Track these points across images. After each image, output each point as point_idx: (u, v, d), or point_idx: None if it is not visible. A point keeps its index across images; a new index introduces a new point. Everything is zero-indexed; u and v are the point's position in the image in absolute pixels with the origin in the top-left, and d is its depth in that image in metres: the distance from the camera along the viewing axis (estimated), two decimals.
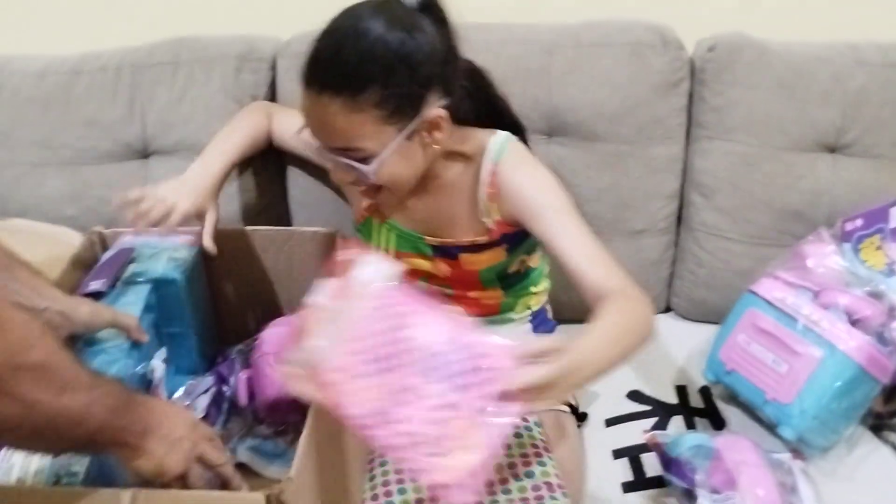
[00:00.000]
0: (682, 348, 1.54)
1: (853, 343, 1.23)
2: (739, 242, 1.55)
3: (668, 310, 1.68)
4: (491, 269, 1.28)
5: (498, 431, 0.84)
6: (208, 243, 1.27)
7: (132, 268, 1.25)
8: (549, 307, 1.45)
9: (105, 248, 1.33)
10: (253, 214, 1.59)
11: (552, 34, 1.52)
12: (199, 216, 1.27)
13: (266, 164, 1.58)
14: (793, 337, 1.27)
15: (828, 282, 1.32)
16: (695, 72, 1.53)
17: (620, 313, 1.04)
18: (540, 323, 1.42)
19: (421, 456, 0.85)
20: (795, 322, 1.28)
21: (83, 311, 1.07)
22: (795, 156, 1.50)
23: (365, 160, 1.09)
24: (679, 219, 1.60)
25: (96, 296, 1.20)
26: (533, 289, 1.38)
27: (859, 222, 1.39)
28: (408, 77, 1.06)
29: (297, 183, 1.59)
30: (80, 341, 1.10)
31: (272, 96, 1.57)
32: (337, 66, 1.05)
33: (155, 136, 1.56)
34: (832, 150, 1.52)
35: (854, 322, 1.26)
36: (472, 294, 1.33)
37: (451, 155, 1.22)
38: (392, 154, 1.10)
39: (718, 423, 1.38)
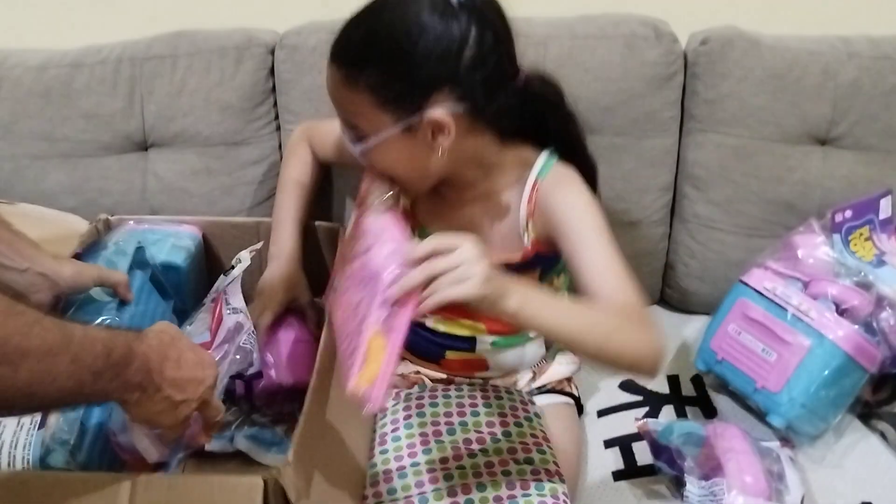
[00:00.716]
0: (674, 339, 1.56)
1: (841, 332, 1.25)
2: (732, 234, 1.56)
3: (661, 301, 1.70)
4: None
5: (394, 339, 0.86)
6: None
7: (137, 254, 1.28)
8: None
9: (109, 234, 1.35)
10: (258, 204, 1.61)
11: (546, 27, 1.53)
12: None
13: (264, 155, 1.60)
14: (782, 326, 1.29)
15: (817, 272, 1.34)
16: (688, 65, 1.54)
17: (610, 311, 1.01)
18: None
19: (347, 369, 0.89)
20: (785, 312, 1.30)
21: (66, 271, 1.07)
22: (787, 148, 1.52)
23: (361, 140, 1.10)
24: (672, 211, 1.62)
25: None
26: None
27: (849, 213, 1.40)
28: (412, 70, 1.02)
29: None
30: (72, 305, 1.11)
31: (271, 88, 1.58)
32: (346, 40, 1.06)
33: (154, 128, 1.57)
34: (823, 142, 1.54)
35: (842, 312, 1.28)
36: None
37: (494, 168, 1.19)
38: (387, 144, 1.07)
39: (710, 412, 1.40)
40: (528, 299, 0.92)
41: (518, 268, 1.20)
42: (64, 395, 0.75)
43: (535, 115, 1.19)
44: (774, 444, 1.24)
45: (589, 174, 1.23)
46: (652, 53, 1.50)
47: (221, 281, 1.26)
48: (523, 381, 1.36)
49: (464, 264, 0.87)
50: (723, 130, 1.53)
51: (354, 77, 1.04)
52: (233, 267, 1.24)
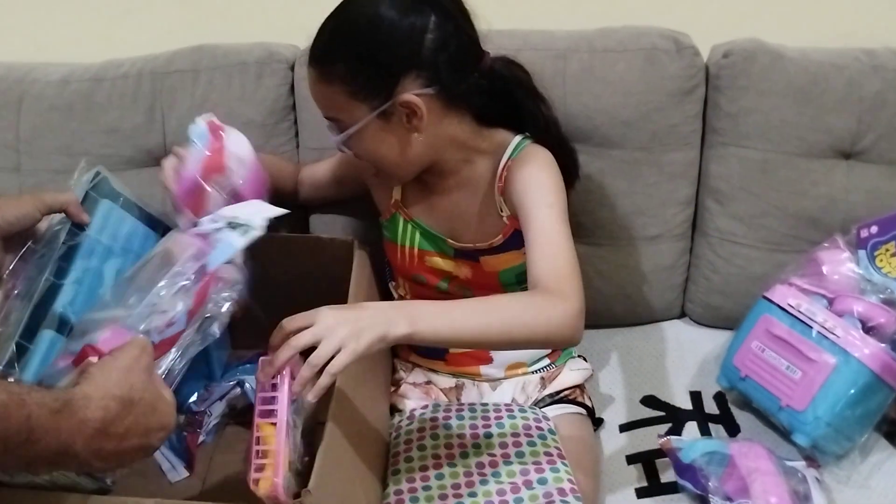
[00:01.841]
0: (696, 354, 1.55)
1: (867, 350, 1.23)
2: (754, 248, 1.55)
3: (682, 315, 1.68)
4: (511, 271, 1.29)
5: (279, 421, 0.92)
6: None
7: None
8: None
9: None
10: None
11: (566, 40, 1.52)
12: None
13: None
14: (807, 344, 1.28)
15: (842, 289, 1.33)
16: (709, 78, 1.53)
17: (514, 297, 1.13)
18: None
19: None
20: (810, 329, 1.29)
21: (7, 208, 1.00)
22: (811, 162, 1.50)
23: (343, 131, 1.16)
24: (694, 225, 1.60)
25: None
26: None
27: (874, 229, 1.38)
28: (376, 58, 1.10)
29: None
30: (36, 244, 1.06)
31: (292, 104, 1.58)
32: (317, 38, 1.15)
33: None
34: (847, 156, 1.52)
35: (868, 329, 1.27)
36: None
37: (473, 152, 1.25)
38: (366, 131, 1.14)
39: (733, 429, 1.38)
40: (416, 319, 0.96)
41: (502, 247, 1.26)
42: None
43: (506, 97, 1.25)
44: (800, 464, 1.23)
45: (566, 156, 1.28)
46: (673, 66, 1.49)
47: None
48: (531, 386, 1.36)
49: (328, 336, 0.91)
50: (745, 144, 1.51)
51: (327, 72, 1.12)
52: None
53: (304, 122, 1.58)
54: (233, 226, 1.03)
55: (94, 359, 0.85)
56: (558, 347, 1.38)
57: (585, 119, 1.49)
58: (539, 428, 1.22)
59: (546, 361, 1.38)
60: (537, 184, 1.18)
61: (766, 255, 1.54)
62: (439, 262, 1.33)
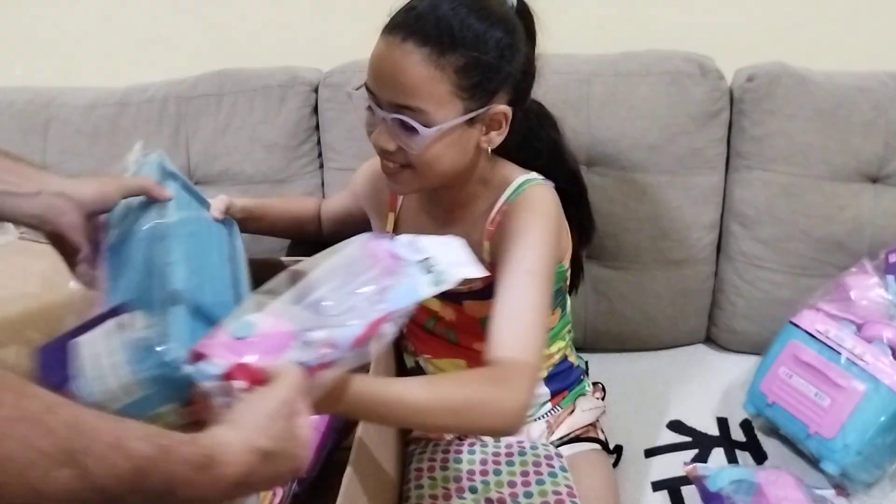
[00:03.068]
0: (722, 380, 1.53)
1: None
2: (780, 273, 1.53)
3: (707, 340, 1.67)
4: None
5: None
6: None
7: None
8: (571, 353, 1.36)
9: None
10: (295, 244, 1.60)
11: (590, 64, 1.52)
12: None
13: (308, 193, 1.60)
14: (835, 370, 1.26)
15: (871, 314, 1.31)
16: (734, 101, 1.52)
17: (461, 383, 0.97)
18: (555, 380, 1.31)
19: None
20: (838, 355, 1.27)
21: (86, 187, 0.96)
22: (837, 186, 1.49)
23: (423, 126, 1.02)
24: (719, 248, 1.59)
25: None
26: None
27: None
28: (495, 61, 1.02)
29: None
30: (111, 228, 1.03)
31: (315, 126, 1.59)
32: (434, 19, 0.99)
33: (199, 166, 1.59)
34: (874, 180, 1.51)
35: None
36: (475, 346, 1.23)
37: (482, 184, 1.17)
38: (448, 132, 1.03)
39: (760, 457, 1.36)
40: (354, 407, 0.88)
41: (481, 295, 1.14)
42: None
43: (529, 138, 1.20)
44: (829, 493, 1.21)
45: (577, 196, 1.25)
46: (697, 90, 1.49)
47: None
48: (537, 431, 1.29)
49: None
50: (770, 168, 1.50)
51: (440, 56, 0.99)
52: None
53: (328, 144, 1.59)
54: (428, 268, 0.91)
55: (240, 384, 0.76)
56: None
57: (610, 143, 1.49)
58: (550, 465, 1.19)
59: (548, 406, 1.30)
60: (525, 242, 1.07)
61: (792, 280, 1.52)
62: (428, 301, 1.16)
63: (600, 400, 1.38)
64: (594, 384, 1.42)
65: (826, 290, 1.38)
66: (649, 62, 1.52)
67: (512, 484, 1.17)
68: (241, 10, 1.71)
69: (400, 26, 1.01)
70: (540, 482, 1.16)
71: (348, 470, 0.93)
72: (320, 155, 1.61)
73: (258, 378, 0.76)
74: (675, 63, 1.51)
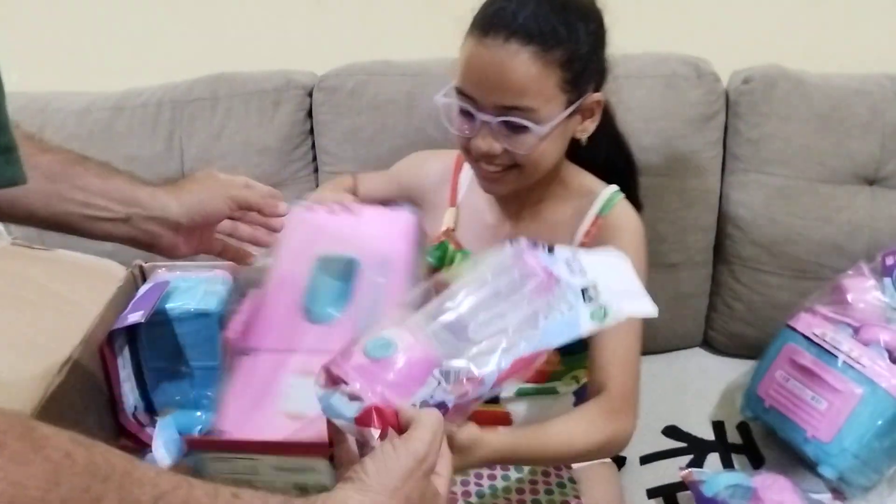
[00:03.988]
0: (719, 383, 1.53)
1: (895, 380, 1.21)
2: (777, 276, 1.53)
3: (704, 344, 1.66)
4: None
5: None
6: None
7: (168, 301, 1.26)
8: None
9: (144, 281, 1.35)
10: None
11: None
12: None
13: (303, 197, 1.59)
14: (832, 374, 1.25)
15: (868, 317, 1.30)
16: (730, 104, 1.52)
17: (578, 428, 1.02)
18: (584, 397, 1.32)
19: None
20: (835, 358, 1.26)
21: (185, 202, 0.88)
22: (833, 188, 1.49)
23: (535, 124, 1.01)
24: (715, 252, 1.59)
25: (131, 326, 1.19)
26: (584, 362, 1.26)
27: None
28: (590, 51, 1.03)
29: None
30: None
31: (309, 130, 1.59)
32: (532, 16, 0.98)
33: (194, 170, 1.58)
34: (871, 182, 1.50)
35: (895, 359, 1.24)
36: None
37: (560, 185, 1.17)
38: (556, 127, 1.02)
39: (757, 461, 1.36)
40: (487, 461, 0.94)
41: None
42: None
43: (606, 136, 1.19)
44: (826, 497, 1.21)
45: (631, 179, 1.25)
46: (693, 93, 1.48)
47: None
48: None
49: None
50: (766, 170, 1.50)
51: (546, 53, 0.98)
52: None
53: (322, 148, 1.59)
54: (587, 296, 0.78)
55: (375, 432, 0.67)
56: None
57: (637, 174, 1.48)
58: (559, 476, 1.18)
59: None
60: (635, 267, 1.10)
61: (789, 283, 1.52)
62: None
63: None
64: None
65: (823, 292, 1.37)
66: (645, 65, 1.52)
67: (520, 491, 1.16)
68: (235, 15, 1.70)
69: (497, 27, 0.99)
70: (548, 492, 1.15)
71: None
72: (315, 159, 1.61)
73: (393, 424, 0.68)
74: (671, 66, 1.51)
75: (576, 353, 1.23)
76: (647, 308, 0.81)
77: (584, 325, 0.76)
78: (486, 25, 1.00)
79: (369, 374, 0.70)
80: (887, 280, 1.34)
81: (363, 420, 0.68)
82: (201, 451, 0.81)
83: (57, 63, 1.77)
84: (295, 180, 1.59)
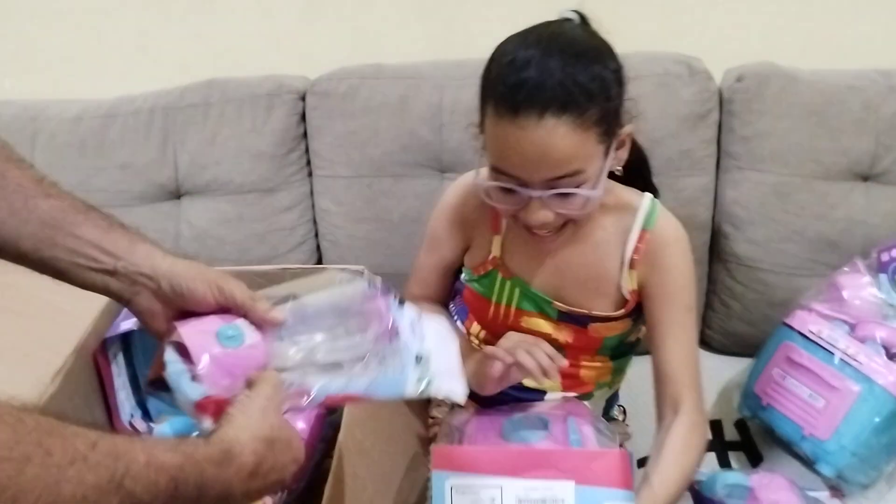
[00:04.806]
0: (716, 382, 1.51)
1: (892, 378, 1.21)
2: (773, 273, 1.52)
3: (702, 343, 1.65)
4: (617, 337, 1.21)
5: None
6: None
7: None
8: None
9: None
10: (291, 251, 1.61)
11: None
12: None
13: (296, 202, 1.61)
14: (829, 371, 1.25)
15: (864, 314, 1.30)
16: (723, 102, 1.52)
17: (686, 458, 1.07)
18: (612, 405, 1.36)
19: None
20: (832, 356, 1.26)
21: (174, 274, 0.83)
22: (828, 185, 1.48)
23: (586, 186, 1.00)
24: (711, 250, 1.58)
25: (125, 333, 1.19)
26: (630, 363, 1.31)
27: (895, 252, 1.36)
28: (618, 94, 1.00)
29: (328, 222, 1.61)
30: None
31: (303, 134, 1.59)
32: (559, 83, 0.93)
33: (187, 176, 1.58)
34: (866, 178, 1.50)
35: (892, 356, 1.24)
36: (584, 363, 1.23)
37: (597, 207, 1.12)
38: (601, 175, 1.01)
39: (755, 458, 1.35)
40: None
41: (611, 318, 1.17)
42: None
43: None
44: (824, 495, 1.20)
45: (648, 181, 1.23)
46: (686, 91, 1.48)
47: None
48: None
49: None
50: (761, 168, 1.50)
51: (581, 117, 0.94)
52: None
53: (315, 152, 1.59)
54: (419, 362, 0.85)
55: (208, 422, 0.76)
56: None
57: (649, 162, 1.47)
58: None
59: None
60: (684, 281, 1.13)
61: (785, 281, 1.51)
62: (540, 323, 1.20)
63: (624, 413, 1.39)
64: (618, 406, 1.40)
65: (818, 290, 1.37)
66: (637, 64, 1.49)
67: None
68: (227, 20, 1.70)
69: (527, 104, 0.94)
70: None
71: (330, 479, 0.93)
72: (308, 163, 1.61)
73: (223, 412, 0.75)
74: (664, 65, 1.50)
75: (624, 355, 1.27)
76: (459, 392, 0.86)
77: (408, 389, 0.83)
78: (513, 103, 0.95)
79: (217, 361, 0.77)
80: (883, 276, 1.34)
81: (203, 407, 0.76)
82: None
83: (49, 71, 1.76)
84: (289, 184, 1.59)
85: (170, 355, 0.80)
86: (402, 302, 0.89)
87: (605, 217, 1.14)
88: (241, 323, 0.81)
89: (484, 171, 1.05)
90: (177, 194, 1.62)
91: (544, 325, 1.20)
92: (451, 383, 0.86)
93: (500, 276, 1.20)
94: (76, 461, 0.56)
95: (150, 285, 0.82)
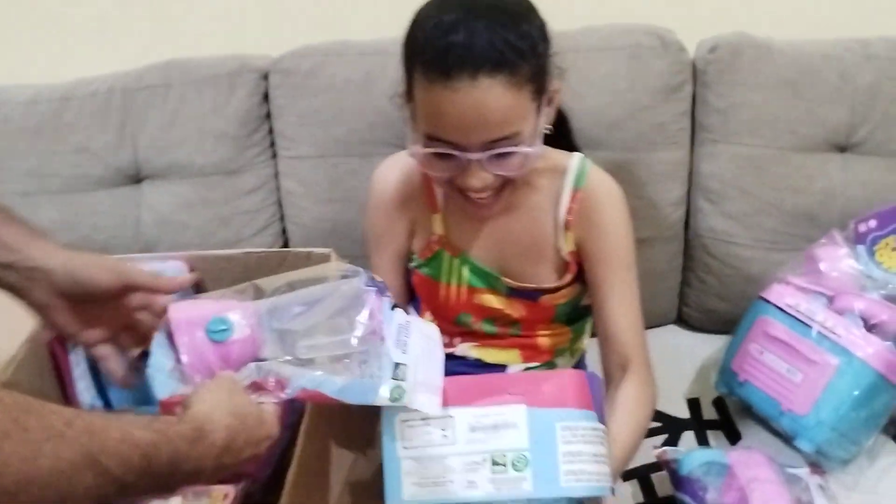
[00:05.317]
0: (693, 360, 1.49)
1: (870, 349, 1.18)
2: (749, 248, 1.49)
3: (679, 321, 1.63)
4: (568, 304, 1.20)
5: None
6: None
7: None
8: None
9: None
10: (256, 234, 1.57)
11: None
12: None
13: (261, 183, 1.57)
14: (807, 345, 1.23)
15: (842, 286, 1.27)
16: (697, 74, 1.48)
17: (639, 414, 1.07)
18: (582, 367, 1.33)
19: None
20: (809, 329, 1.23)
21: (71, 267, 0.87)
22: (805, 157, 1.45)
23: (522, 146, 0.98)
24: (686, 226, 1.55)
25: None
26: (587, 326, 1.29)
27: (873, 223, 1.33)
28: (544, 49, 0.99)
29: (294, 203, 1.57)
30: None
31: (266, 114, 1.55)
32: (487, 43, 0.92)
33: (147, 160, 1.54)
34: (843, 149, 1.47)
35: (871, 327, 1.22)
36: (540, 332, 1.23)
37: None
38: (537, 134, 1.00)
39: (733, 436, 1.33)
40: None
41: (559, 288, 1.17)
42: None
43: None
44: (803, 471, 1.17)
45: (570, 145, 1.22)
46: (659, 63, 1.45)
47: None
48: None
49: None
50: (736, 141, 1.47)
51: (515, 75, 0.94)
52: None
53: (280, 132, 1.55)
54: (397, 373, 0.85)
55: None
56: None
57: (570, 121, 1.44)
58: None
59: None
60: (621, 238, 1.12)
61: (762, 255, 1.49)
62: (491, 299, 1.19)
63: None
64: None
65: (796, 262, 1.34)
66: (609, 36, 1.48)
67: None
68: None
69: (458, 66, 0.93)
70: None
71: (293, 466, 0.89)
72: (273, 144, 1.57)
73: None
74: (636, 36, 1.47)
75: (580, 320, 1.25)
76: (432, 407, 0.86)
77: (379, 398, 0.83)
78: (444, 67, 0.93)
79: (200, 356, 0.83)
80: (861, 247, 1.32)
81: (169, 406, 0.81)
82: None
83: (3, 54, 1.71)
84: (253, 166, 1.55)
85: (158, 340, 0.85)
86: (394, 307, 0.91)
87: (537, 180, 1.13)
88: (232, 315, 0.85)
89: (415, 147, 1.02)
90: (136, 178, 1.57)
91: (495, 301, 1.20)
92: (425, 397, 0.86)
93: (447, 255, 1.19)
94: (52, 437, 0.58)
95: (46, 279, 0.86)
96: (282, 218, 1.59)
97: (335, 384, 0.82)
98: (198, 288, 1.22)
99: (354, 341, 0.84)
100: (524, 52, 0.94)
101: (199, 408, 0.75)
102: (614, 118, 1.45)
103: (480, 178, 1.00)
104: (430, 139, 0.99)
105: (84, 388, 1.21)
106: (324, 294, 0.88)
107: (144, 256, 1.33)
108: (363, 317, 0.85)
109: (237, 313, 0.86)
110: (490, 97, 0.93)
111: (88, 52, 1.70)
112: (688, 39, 1.48)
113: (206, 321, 0.85)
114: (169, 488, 0.73)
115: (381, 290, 0.89)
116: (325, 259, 1.29)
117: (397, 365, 0.84)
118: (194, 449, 0.70)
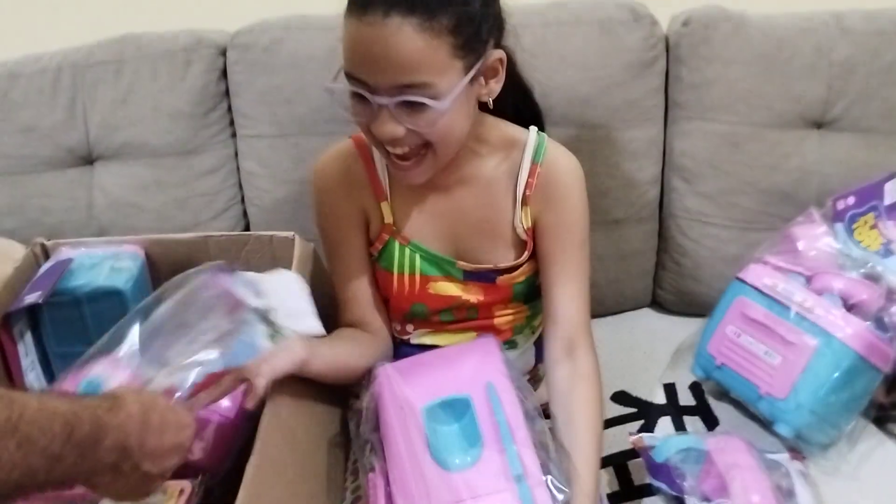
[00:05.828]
0: (669, 344, 1.46)
1: (850, 330, 1.15)
2: (725, 228, 1.47)
3: (653, 303, 1.61)
4: (523, 283, 1.17)
5: None
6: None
7: (71, 279, 1.16)
8: None
9: (47, 259, 1.25)
10: (214, 217, 1.52)
11: (517, 15, 1.38)
12: None
13: (219, 164, 1.52)
14: (785, 326, 1.20)
15: (820, 265, 1.25)
16: (670, 48, 1.45)
17: (596, 422, 1.05)
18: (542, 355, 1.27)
19: None
20: (787, 310, 1.20)
21: None
22: (780, 133, 1.43)
23: (433, 101, 0.94)
24: (661, 206, 1.52)
25: (33, 309, 1.14)
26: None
27: (851, 200, 1.31)
28: (482, 9, 0.95)
29: (254, 185, 1.52)
30: None
31: (224, 91, 1.50)
32: None
33: (99, 140, 1.49)
34: (819, 125, 1.44)
35: (850, 307, 1.19)
36: (498, 313, 1.20)
37: (480, 141, 1.10)
38: (457, 98, 0.95)
39: (711, 422, 1.30)
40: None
41: (514, 267, 1.15)
42: (8, 487, 0.64)
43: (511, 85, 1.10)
44: (783, 457, 1.15)
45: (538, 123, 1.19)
46: (630, 38, 1.41)
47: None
48: None
49: None
50: (710, 117, 1.44)
51: (431, 21, 0.90)
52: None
53: (238, 110, 1.50)
54: (266, 320, 0.93)
55: None
56: None
57: (540, 97, 1.35)
58: None
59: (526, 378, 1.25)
60: (578, 215, 1.11)
61: (738, 235, 1.46)
62: (448, 286, 1.16)
63: None
64: None
65: (772, 242, 1.31)
66: (579, 10, 1.44)
67: None
68: None
69: (374, 1, 0.90)
70: None
71: (252, 457, 0.88)
72: (232, 122, 1.52)
73: None
74: (607, 10, 1.43)
75: (538, 298, 1.20)
76: (314, 327, 0.95)
77: (261, 343, 0.92)
78: (362, 1, 0.91)
79: None
80: (839, 225, 1.30)
81: None
82: None
83: None
84: (211, 146, 1.50)
85: None
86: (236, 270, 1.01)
87: (492, 155, 1.11)
88: (101, 371, 0.95)
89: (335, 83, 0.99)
90: (88, 159, 1.51)
91: (452, 289, 1.17)
92: (304, 322, 0.95)
93: (397, 244, 1.14)
94: None
95: None
96: (242, 200, 1.54)
97: (219, 362, 0.91)
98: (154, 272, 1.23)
99: (221, 320, 0.93)
100: (446, 1, 0.91)
101: (115, 389, 0.82)
102: (585, 94, 1.41)
103: (389, 128, 0.96)
104: (347, 77, 0.96)
105: (34, 378, 1.19)
106: (177, 300, 0.97)
107: (98, 241, 1.28)
108: (218, 298, 0.95)
109: (107, 368, 0.96)
110: (400, 37, 0.90)
111: (36, 26, 1.65)
112: (660, 13, 1.45)
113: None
114: (100, 465, 0.73)
115: (221, 268, 1.01)
116: (288, 243, 1.25)
117: (262, 312, 0.94)
118: (113, 417, 0.73)
